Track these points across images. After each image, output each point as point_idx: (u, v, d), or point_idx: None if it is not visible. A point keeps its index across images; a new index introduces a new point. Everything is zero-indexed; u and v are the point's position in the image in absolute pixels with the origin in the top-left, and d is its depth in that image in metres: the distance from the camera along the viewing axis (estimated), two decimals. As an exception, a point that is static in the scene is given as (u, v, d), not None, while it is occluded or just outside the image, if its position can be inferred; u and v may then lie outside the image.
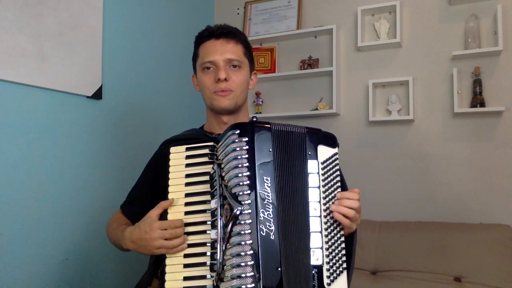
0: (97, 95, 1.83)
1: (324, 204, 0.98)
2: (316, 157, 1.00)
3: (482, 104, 2.07)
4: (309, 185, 0.98)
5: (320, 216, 0.97)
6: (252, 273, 0.87)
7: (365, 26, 2.42)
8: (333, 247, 0.96)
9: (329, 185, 1.00)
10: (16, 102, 1.52)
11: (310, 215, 0.96)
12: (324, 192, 0.99)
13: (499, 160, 2.09)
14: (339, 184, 1.02)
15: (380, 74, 2.36)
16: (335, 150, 1.04)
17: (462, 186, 2.15)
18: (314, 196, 0.98)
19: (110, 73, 1.91)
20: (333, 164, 1.02)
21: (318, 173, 0.99)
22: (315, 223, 0.96)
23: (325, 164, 1.01)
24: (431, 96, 2.24)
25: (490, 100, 2.10)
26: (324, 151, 1.02)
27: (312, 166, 0.99)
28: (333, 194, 1.00)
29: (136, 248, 1.02)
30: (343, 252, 0.98)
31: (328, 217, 0.98)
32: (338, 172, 1.02)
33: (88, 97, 1.80)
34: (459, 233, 1.92)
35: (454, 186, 2.17)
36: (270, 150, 0.96)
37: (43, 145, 1.61)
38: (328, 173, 1.01)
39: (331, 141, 1.04)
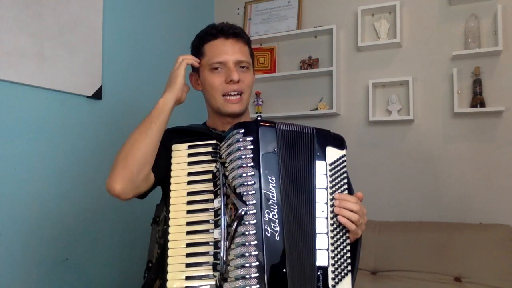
0: (97, 95, 1.82)
1: (331, 205, 0.97)
2: (324, 158, 0.99)
3: (482, 104, 2.07)
4: (317, 186, 0.97)
5: (326, 218, 0.96)
6: (256, 274, 0.86)
7: (365, 26, 2.41)
8: (338, 249, 0.96)
9: (337, 186, 0.99)
10: (16, 102, 1.51)
11: (316, 216, 0.95)
12: (331, 193, 0.98)
13: (499, 160, 2.09)
14: (346, 186, 1.00)
15: (380, 74, 2.35)
16: (343, 152, 1.03)
17: (462, 186, 2.15)
18: (322, 197, 0.97)
19: (110, 73, 1.91)
20: (341, 166, 1.01)
21: (326, 174, 0.98)
22: (322, 225, 0.95)
23: (333, 166, 1.00)
24: (431, 96, 2.24)
25: (490, 100, 2.10)
26: (333, 153, 1.01)
27: (320, 167, 0.98)
28: None
29: (169, 88, 1.13)
30: (348, 254, 0.97)
31: (335, 219, 0.97)
32: (345, 174, 1.01)
33: (88, 97, 1.80)
34: (459, 233, 1.92)
35: (454, 186, 2.17)
36: (275, 149, 0.95)
37: (43, 145, 1.61)
38: (336, 175, 1.00)
39: (339, 142, 1.03)
